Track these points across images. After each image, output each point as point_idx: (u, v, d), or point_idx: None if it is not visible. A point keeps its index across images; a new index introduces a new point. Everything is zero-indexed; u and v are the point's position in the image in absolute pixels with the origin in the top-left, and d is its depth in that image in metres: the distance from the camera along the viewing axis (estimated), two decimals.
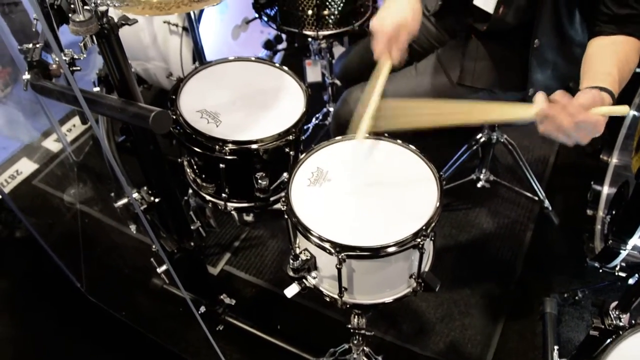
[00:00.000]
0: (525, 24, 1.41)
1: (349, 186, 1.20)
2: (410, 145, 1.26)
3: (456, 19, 1.67)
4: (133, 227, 1.63)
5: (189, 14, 1.92)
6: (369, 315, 1.50)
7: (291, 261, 1.16)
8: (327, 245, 1.08)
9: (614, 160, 1.94)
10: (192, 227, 1.61)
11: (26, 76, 1.45)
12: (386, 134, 1.28)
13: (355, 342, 1.54)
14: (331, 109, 2.41)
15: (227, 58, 1.47)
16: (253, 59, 1.48)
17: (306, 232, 1.11)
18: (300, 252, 1.17)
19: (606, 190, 1.91)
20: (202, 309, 1.80)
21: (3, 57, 2.70)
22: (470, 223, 2.16)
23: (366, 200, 1.17)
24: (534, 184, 2.12)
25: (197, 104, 1.35)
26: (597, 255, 1.78)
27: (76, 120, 2.68)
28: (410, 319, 1.88)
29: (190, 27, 1.90)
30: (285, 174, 1.20)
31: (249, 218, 2.20)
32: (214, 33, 2.33)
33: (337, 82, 2.30)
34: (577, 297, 1.86)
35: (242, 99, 1.38)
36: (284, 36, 2.47)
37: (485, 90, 1.56)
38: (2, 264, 2.08)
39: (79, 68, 1.54)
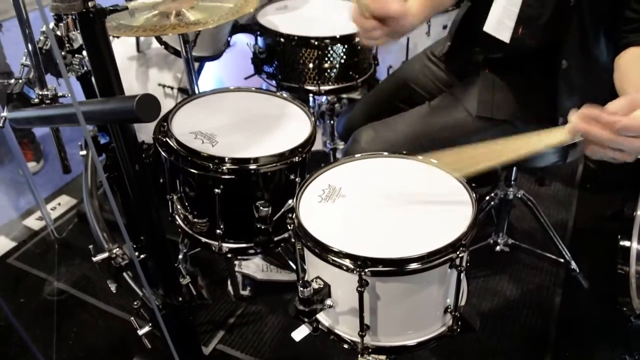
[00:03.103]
0: (545, 47, 1.33)
1: (367, 201, 1.03)
2: (432, 159, 1.11)
3: (466, 59, 1.60)
4: (113, 287, 1.43)
5: (189, 70, 1.85)
6: None
7: (300, 289, 0.95)
8: (346, 262, 0.89)
9: None
10: (181, 282, 1.40)
11: (3, 113, 1.34)
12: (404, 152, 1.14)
13: None
14: None
15: (227, 88, 1.36)
16: (254, 89, 1.37)
17: (320, 249, 0.92)
18: (312, 280, 0.97)
19: (635, 245, 1.76)
20: None
21: None
22: (491, 291, 1.95)
23: (389, 215, 1.00)
24: (558, 244, 1.94)
25: (191, 127, 1.22)
26: None
27: (62, 198, 2.54)
28: None
29: (190, 81, 1.81)
30: (290, 201, 1.04)
31: (246, 292, 1.99)
32: None
33: (340, 146, 2.20)
34: None
35: (242, 122, 1.26)
36: None
37: (507, 123, 1.44)
38: None
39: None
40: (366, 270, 0.88)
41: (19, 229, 2.37)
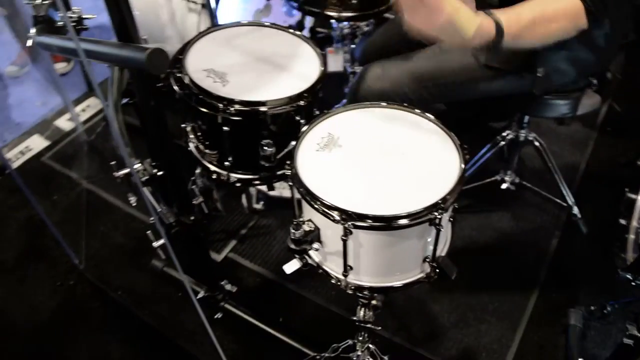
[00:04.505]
0: None
1: (361, 153, 1.09)
2: (428, 114, 1.15)
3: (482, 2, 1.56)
4: (133, 200, 1.56)
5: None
6: (377, 310, 1.37)
7: (292, 231, 1.05)
8: (333, 213, 0.97)
9: None
10: (194, 202, 1.51)
11: (31, 32, 1.40)
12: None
13: (361, 338, 1.42)
14: None
15: (240, 22, 1.39)
16: (268, 24, 1.39)
17: (311, 198, 1.00)
18: (304, 223, 1.06)
19: None
20: (201, 293, 1.70)
21: (23, 39, 2.68)
22: (491, 226, 2.03)
23: (379, 168, 1.06)
24: (562, 188, 1.98)
25: (205, 63, 1.26)
26: (630, 266, 1.65)
27: (91, 100, 2.64)
28: (421, 322, 1.75)
29: (208, 4, 1.82)
30: (293, 142, 1.11)
31: (259, 206, 2.10)
32: (234, 18, 2.26)
33: (358, 70, 2.20)
34: (605, 311, 1.70)
35: (253, 61, 1.29)
36: (307, 23, 2.39)
37: (513, 74, 1.44)
38: (4, 237, 2.03)
39: (86, 27, 1.49)
40: (350, 223, 0.96)
41: (51, 128, 2.50)
